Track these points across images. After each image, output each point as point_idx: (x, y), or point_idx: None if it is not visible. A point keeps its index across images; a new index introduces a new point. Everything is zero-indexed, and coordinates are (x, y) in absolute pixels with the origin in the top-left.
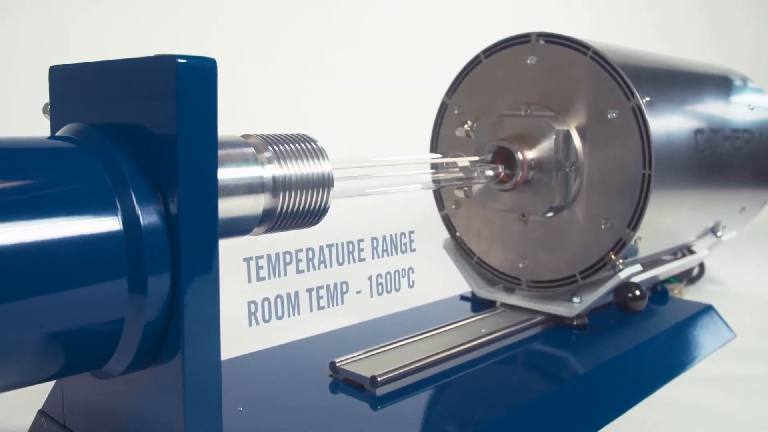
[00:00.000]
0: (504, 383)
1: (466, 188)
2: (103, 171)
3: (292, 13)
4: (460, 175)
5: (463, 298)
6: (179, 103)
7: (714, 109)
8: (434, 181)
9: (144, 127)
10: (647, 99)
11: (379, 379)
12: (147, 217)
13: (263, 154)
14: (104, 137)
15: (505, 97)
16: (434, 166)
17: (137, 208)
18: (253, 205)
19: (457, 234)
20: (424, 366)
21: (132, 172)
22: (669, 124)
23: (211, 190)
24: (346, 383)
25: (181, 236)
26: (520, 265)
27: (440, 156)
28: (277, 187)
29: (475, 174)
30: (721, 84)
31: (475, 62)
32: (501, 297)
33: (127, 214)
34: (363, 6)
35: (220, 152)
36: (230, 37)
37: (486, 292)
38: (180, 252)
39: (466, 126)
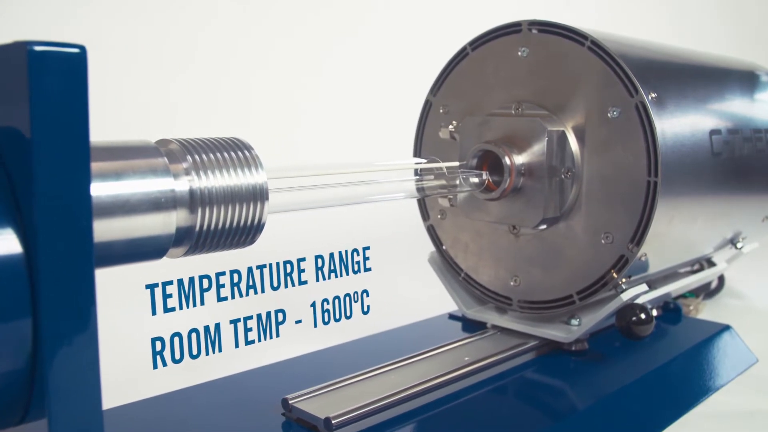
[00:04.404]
0: (489, 421)
1: (450, 197)
2: None
3: (283, 14)
4: (442, 182)
5: (452, 317)
6: (33, 100)
7: (732, 106)
8: (418, 190)
9: (5, 131)
10: (653, 95)
11: (334, 421)
12: None
13: (179, 164)
14: None
15: (495, 93)
16: (416, 172)
17: None
18: (164, 223)
19: (443, 247)
20: (391, 404)
21: None
22: (679, 124)
23: (82, 210)
24: (299, 424)
25: (40, 270)
26: (512, 284)
27: (423, 161)
28: (194, 201)
29: (458, 181)
30: (741, 79)
31: (461, 55)
32: (491, 318)
33: None
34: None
35: (120, 162)
36: (218, 39)
37: (475, 312)
38: (39, 290)
39: (450, 127)
